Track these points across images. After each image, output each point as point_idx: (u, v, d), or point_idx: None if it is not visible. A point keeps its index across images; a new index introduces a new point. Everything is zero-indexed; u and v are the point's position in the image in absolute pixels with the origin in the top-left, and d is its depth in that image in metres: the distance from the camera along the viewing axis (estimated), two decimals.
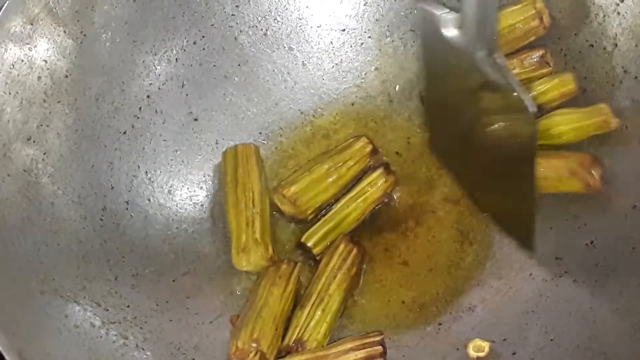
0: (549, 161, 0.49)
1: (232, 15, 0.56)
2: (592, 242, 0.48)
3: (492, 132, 0.49)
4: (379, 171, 0.54)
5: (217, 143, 0.56)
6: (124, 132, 0.53)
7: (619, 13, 0.49)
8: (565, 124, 0.50)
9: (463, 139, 0.52)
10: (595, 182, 0.48)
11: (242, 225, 0.51)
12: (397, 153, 0.56)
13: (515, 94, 0.44)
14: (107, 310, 0.47)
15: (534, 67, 0.53)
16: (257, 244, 0.50)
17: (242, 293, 0.52)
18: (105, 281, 0.49)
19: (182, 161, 0.55)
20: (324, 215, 0.53)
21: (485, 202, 0.52)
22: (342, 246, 0.51)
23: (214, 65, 0.56)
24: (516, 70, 0.53)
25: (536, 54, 0.53)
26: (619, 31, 0.49)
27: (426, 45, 0.52)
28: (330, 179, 0.53)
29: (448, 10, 0.47)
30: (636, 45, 0.49)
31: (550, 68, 0.52)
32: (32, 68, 0.49)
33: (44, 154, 0.49)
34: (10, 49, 0.49)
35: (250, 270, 0.51)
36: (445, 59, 0.49)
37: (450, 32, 0.47)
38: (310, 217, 0.54)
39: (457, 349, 0.48)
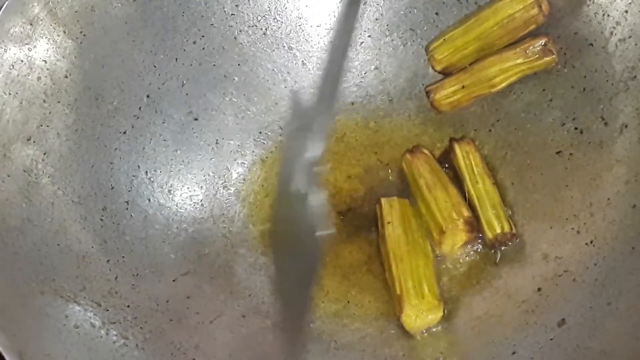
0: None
1: (232, 14, 0.56)
2: (592, 242, 0.48)
3: None
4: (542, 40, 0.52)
5: (217, 143, 0.56)
6: (124, 132, 0.53)
7: (618, 12, 0.49)
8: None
9: None
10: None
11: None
12: (396, 153, 0.56)
13: None
14: (107, 310, 0.47)
15: (537, 55, 0.52)
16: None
17: (242, 292, 0.52)
18: (105, 281, 0.49)
19: (182, 161, 0.55)
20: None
21: None
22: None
23: (214, 65, 0.56)
24: (519, 60, 0.52)
25: (539, 43, 0.52)
26: (619, 30, 0.49)
27: None
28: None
29: None
30: (636, 45, 0.49)
31: (554, 56, 0.52)
32: (31, 68, 0.49)
33: (44, 154, 0.49)
34: (10, 49, 0.49)
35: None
36: None
37: None
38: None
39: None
